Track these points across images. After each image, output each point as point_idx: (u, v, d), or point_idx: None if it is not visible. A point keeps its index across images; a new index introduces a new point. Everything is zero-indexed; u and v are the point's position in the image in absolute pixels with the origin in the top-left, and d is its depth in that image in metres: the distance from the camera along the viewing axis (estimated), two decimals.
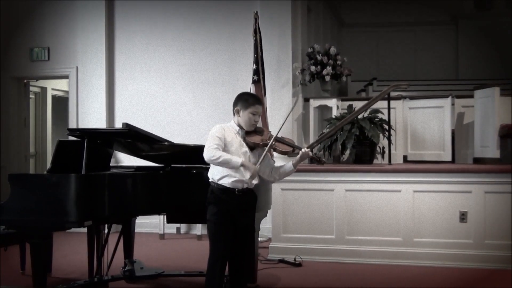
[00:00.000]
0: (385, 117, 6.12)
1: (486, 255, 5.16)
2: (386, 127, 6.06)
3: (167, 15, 7.28)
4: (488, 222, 5.19)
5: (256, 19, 6.26)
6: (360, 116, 5.83)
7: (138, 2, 7.35)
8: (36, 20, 7.61)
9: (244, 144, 3.41)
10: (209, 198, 3.41)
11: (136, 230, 5.09)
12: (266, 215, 4.65)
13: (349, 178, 5.51)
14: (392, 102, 6.35)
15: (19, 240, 4.73)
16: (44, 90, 9.11)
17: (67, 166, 4.14)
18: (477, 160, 6.10)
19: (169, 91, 7.25)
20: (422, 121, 6.69)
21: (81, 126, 7.17)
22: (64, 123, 7.98)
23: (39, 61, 7.60)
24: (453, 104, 6.65)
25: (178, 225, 7.08)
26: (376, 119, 6.06)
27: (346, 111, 6.41)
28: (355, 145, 5.89)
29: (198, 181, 4.00)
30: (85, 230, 4.38)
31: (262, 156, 3.34)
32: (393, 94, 6.41)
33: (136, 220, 5.03)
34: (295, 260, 5.33)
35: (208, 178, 3.45)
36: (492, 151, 5.77)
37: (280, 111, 6.46)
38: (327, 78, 6.71)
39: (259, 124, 3.58)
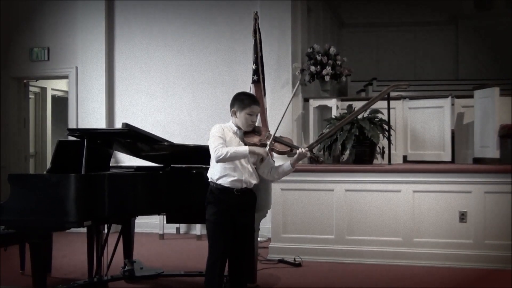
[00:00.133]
0: (385, 117, 6.11)
1: (486, 255, 5.16)
2: (386, 127, 6.05)
3: (167, 15, 7.28)
4: (488, 222, 5.19)
5: (256, 19, 6.26)
6: (360, 116, 5.83)
7: (138, 2, 7.34)
8: (36, 20, 7.61)
9: (243, 144, 3.40)
10: (208, 198, 3.42)
11: (136, 230, 5.09)
12: (265, 215, 4.65)
13: (349, 178, 5.51)
14: (392, 102, 6.34)
15: (19, 240, 4.73)
16: (44, 90, 9.12)
17: (67, 166, 4.13)
18: (477, 160, 6.10)
19: (169, 91, 7.25)
20: (422, 121, 6.69)
21: (81, 126, 7.16)
22: (64, 123, 7.98)
23: (39, 61, 7.60)
24: (453, 104, 6.65)
25: (177, 225, 7.08)
26: (376, 119, 6.05)
27: (345, 111, 6.41)
28: (355, 145, 5.89)
29: (198, 181, 4.00)
30: (85, 230, 4.38)
31: None
32: (393, 94, 6.40)
33: (136, 220, 5.03)
34: (294, 260, 5.33)
35: (207, 178, 3.45)
36: (492, 151, 5.77)
37: (280, 111, 6.38)
38: (327, 78, 6.72)
39: (259, 124, 3.58)
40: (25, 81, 7.95)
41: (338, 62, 6.78)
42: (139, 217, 4.76)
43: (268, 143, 3.34)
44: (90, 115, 7.32)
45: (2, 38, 7.64)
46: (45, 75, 7.80)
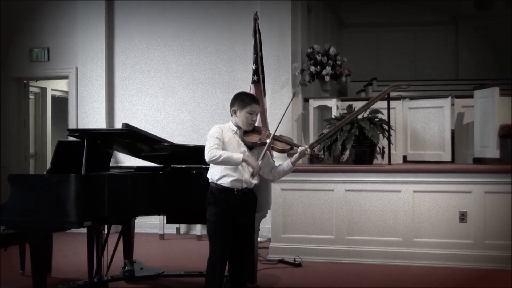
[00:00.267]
0: (385, 117, 6.12)
1: (486, 255, 5.16)
2: (386, 127, 6.06)
3: (167, 15, 7.28)
4: (488, 222, 5.19)
5: (256, 19, 6.26)
6: (360, 116, 5.83)
7: (138, 2, 7.34)
8: (36, 20, 7.60)
9: (243, 144, 3.41)
10: (208, 198, 3.42)
11: (136, 230, 5.09)
12: (265, 216, 4.65)
13: (349, 178, 5.51)
14: (392, 102, 6.34)
15: (19, 240, 4.73)
16: (44, 90, 9.11)
17: (67, 166, 4.14)
18: (477, 160, 6.10)
19: (169, 91, 7.25)
20: (422, 121, 6.69)
21: (81, 126, 7.17)
22: (64, 123, 7.98)
23: (39, 61, 7.60)
24: (453, 104, 6.65)
25: (177, 225, 7.08)
26: (376, 119, 6.06)
27: (345, 111, 6.41)
28: (355, 145, 5.89)
29: (198, 182, 4.00)
30: (85, 230, 4.38)
31: (262, 154, 3.35)
32: (393, 94, 6.40)
33: (136, 220, 5.03)
34: (295, 260, 5.33)
35: (208, 179, 3.45)
36: (492, 151, 5.77)
37: (280, 112, 6.40)
38: (327, 78, 6.72)
39: (259, 124, 3.58)
40: (25, 81, 7.95)
41: (338, 62, 6.78)
42: (139, 217, 4.76)
43: (268, 141, 3.35)
44: (90, 115, 7.32)
45: (2, 38, 7.64)
46: (45, 75, 7.80)
